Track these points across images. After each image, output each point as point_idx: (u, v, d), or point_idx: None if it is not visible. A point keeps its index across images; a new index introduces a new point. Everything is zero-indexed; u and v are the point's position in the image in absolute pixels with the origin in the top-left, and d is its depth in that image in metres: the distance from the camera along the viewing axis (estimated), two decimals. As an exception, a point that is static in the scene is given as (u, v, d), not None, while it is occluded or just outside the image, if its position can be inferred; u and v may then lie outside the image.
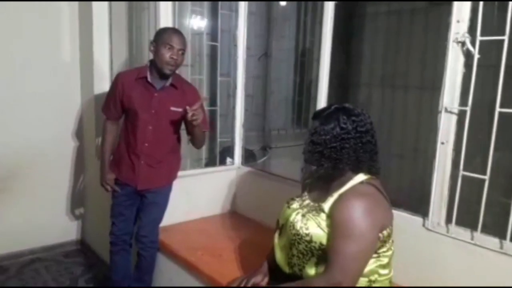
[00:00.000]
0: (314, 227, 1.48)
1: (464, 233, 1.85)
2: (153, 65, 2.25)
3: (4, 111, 3.02)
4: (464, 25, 1.78)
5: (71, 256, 3.33)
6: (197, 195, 2.86)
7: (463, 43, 1.78)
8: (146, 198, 2.37)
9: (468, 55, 1.79)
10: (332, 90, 2.46)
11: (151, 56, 2.27)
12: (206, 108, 2.97)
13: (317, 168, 1.55)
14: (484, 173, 1.75)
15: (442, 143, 1.90)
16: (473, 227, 1.81)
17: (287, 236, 1.58)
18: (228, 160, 3.09)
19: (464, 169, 1.82)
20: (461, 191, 1.84)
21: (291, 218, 1.57)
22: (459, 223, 1.87)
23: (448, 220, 1.90)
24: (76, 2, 3.18)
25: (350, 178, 1.51)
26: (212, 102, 3.08)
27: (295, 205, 1.63)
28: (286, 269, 1.59)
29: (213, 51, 3.11)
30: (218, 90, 3.01)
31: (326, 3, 2.35)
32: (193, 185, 2.82)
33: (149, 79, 2.26)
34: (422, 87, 3.13)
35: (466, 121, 1.79)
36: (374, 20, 3.26)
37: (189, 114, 2.10)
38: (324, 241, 1.45)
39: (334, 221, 1.43)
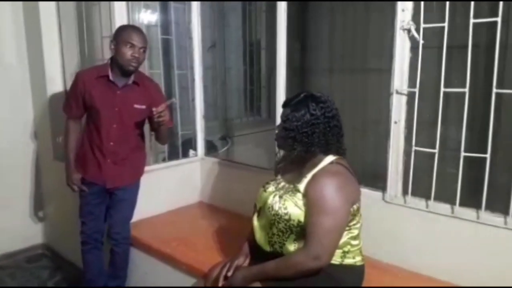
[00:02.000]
0: (292, 207, 1.60)
1: (419, 202, 2.05)
2: (114, 63, 2.25)
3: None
4: (408, 14, 1.96)
5: (34, 260, 3.26)
6: (163, 188, 2.90)
7: (408, 30, 1.96)
8: (116, 196, 2.38)
9: (413, 41, 1.97)
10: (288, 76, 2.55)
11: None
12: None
13: (290, 152, 1.66)
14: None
15: (395, 122, 2.08)
16: (427, 196, 2.01)
17: (266, 217, 1.69)
18: (191, 152, 3.14)
19: (420, 145, 2.00)
20: (420, 165, 2.02)
21: (269, 201, 1.68)
22: (417, 194, 2.07)
23: (405, 192, 2.10)
24: (20, 2, 3.06)
25: (321, 160, 1.63)
26: (170, 95, 3.10)
27: (271, 188, 1.74)
28: (267, 248, 1.70)
29: (166, 44, 3.13)
30: (176, 83, 3.04)
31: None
32: (158, 179, 2.85)
33: (111, 78, 2.26)
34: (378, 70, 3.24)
35: (416, 101, 1.97)
36: (329, 8, 3.33)
37: (155, 116, 2.14)
38: (301, 219, 1.58)
39: (309, 199, 1.56)
